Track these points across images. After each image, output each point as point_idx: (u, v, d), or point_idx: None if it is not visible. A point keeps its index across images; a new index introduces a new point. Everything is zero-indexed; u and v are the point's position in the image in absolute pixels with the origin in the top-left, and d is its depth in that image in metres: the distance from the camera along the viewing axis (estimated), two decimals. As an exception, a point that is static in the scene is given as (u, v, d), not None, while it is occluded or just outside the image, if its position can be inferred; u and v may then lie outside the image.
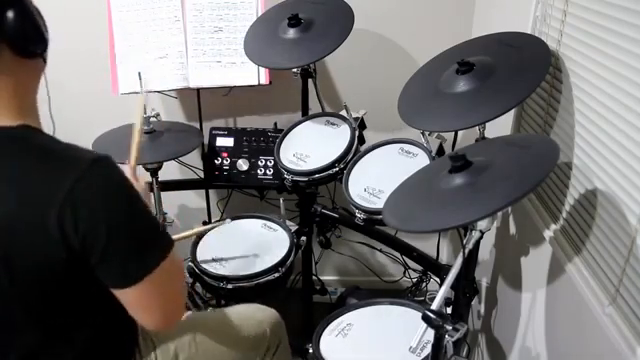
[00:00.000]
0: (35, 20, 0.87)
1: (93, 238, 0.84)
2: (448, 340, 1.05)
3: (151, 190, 1.65)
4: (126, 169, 1.22)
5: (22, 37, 0.85)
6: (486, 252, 1.81)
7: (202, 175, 2.05)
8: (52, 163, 0.85)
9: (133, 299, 0.93)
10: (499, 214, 1.44)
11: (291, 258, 1.69)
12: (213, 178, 1.95)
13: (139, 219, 0.91)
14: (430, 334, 1.07)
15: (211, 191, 2.17)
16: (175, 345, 1.22)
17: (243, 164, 1.92)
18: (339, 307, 1.50)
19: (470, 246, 1.12)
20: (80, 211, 0.83)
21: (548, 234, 1.34)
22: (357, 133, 1.63)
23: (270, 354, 1.37)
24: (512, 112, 1.54)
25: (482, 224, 1.10)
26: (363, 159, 1.58)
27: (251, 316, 1.39)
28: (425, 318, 1.05)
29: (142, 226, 0.91)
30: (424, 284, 2.09)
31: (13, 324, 0.94)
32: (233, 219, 1.84)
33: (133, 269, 0.90)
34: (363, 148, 1.63)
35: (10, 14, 0.82)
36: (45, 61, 0.92)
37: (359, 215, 1.45)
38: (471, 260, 1.39)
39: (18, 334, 0.94)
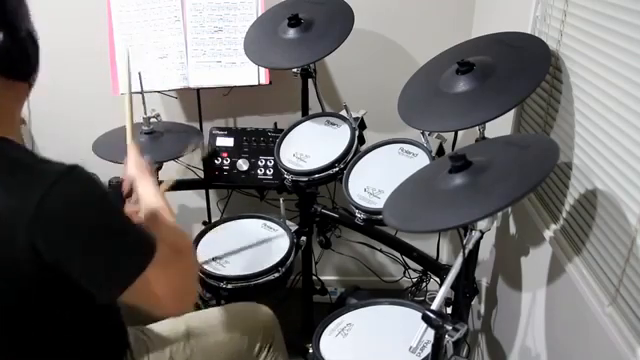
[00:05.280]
0: (24, 47, 0.86)
1: (67, 254, 0.82)
2: (448, 340, 1.05)
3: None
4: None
5: (8, 60, 0.84)
6: (486, 252, 1.81)
7: (202, 175, 2.05)
8: (21, 177, 0.81)
9: (128, 301, 0.91)
10: (499, 214, 1.43)
11: (291, 258, 1.69)
12: (213, 178, 1.95)
13: (114, 229, 0.86)
14: (430, 334, 1.07)
15: (211, 191, 2.17)
16: (170, 349, 1.22)
17: (243, 164, 1.91)
18: (339, 307, 1.50)
19: (470, 246, 1.12)
20: (50, 227, 0.80)
21: (548, 234, 1.34)
22: (357, 133, 1.63)
23: (264, 351, 1.38)
24: (512, 112, 1.54)
25: (482, 224, 1.10)
26: (363, 159, 1.58)
27: (244, 314, 1.39)
28: (425, 318, 1.05)
29: (118, 235, 0.87)
30: (424, 284, 2.09)
31: None
32: (230, 219, 1.84)
33: (116, 280, 0.86)
34: (363, 148, 1.63)
35: None
36: (31, 85, 0.90)
37: (359, 215, 1.45)
38: (471, 260, 1.39)
39: None
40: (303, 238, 1.80)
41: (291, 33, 1.65)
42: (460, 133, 1.72)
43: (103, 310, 1.05)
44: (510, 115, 1.57)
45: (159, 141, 1.73)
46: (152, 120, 1.74)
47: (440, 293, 1.06)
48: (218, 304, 1.87)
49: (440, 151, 1.53)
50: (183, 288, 1.00)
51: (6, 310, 0.88)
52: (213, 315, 1.37)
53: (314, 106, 1.86)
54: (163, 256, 0.91)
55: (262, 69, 1.85)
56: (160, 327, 1.29)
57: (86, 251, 0.83)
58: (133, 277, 0.86)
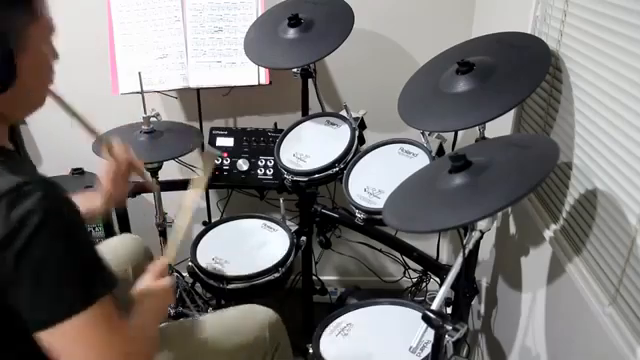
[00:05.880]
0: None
1: (12, 280, 0.76)
2: (448, 340, 1.05)
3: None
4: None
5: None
6: (486, 252, 1.81)
7: (202, 175, 2.04)
8: None
9: (51, 345, 0.80)
10: (499, 214, 1.43)
11: (291, 258, 1.69)
12: (213, 178, 1.95)
13: (65, 256, 0.78)
14: (430, 334, 1.07)
15: (211, 191, 2.17)
16: (168, 358, 1.19)
17: (243, 164, 1.92)
18: (339, 307, 1.50)
19: (470, 246, 1.12)
20: None
21: (548, 234, 1.34)
22: (357, 133, 1.63)
23: (269, 356, 1.34)
24: (512, 112, 1.54)
25: (482, 224, 1.10)
26: (363, 159, 1.58)
27: (248, 319, 1.34)
28: (425, 318, 1.05)
29: (69, 264, 0.78)
30: (424, 284, 2.09)
31: None
32: (230, 220, 1.84)
33: (52, 309, 0.78)
34: (363, 148, 1.63)
35: None
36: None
37: (359, 215, 1.45)
38: (471, 260, 1.39)
39: None
40: (303, 238, 1.80)
41: (291, 33, 1.65)
42: (460, 133, 1.72)
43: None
44: (510, 115, 1.57)
45: (159, 141, 1.73)
46: (152, 120, 1.74)
47: (440, 293, 1.06)
48: (218, 304, 1.87)
49: (440, 151, 1.53)
50: None
51: None
52: (215, 322, 1.33)
53: (314, 106, 1.86)
54: (112, 315, 0.82)
55: (262, 69, 1.85)
56: (159, 332, 1.26)
57: (31, 277, 0.76)
58: (64, 315, 0.77)
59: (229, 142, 1.95)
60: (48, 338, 0.79)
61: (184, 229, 1.25)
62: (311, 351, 1.35)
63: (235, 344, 1.28)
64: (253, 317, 1.35)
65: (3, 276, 0.76)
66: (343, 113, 1.68)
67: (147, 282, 1.09)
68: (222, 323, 1.33)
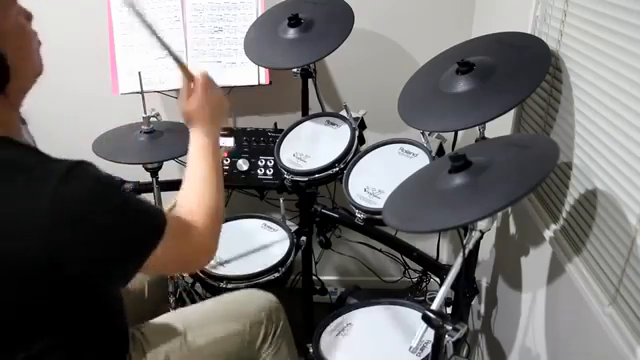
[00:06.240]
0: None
1: (78, 251, 0.82)
2: (448, 340, 1.05)
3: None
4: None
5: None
6: (486, 252, 1.81)
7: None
8: (25, 177, 0.80)
9: (149, 272, 0.96)
10: (499, 214, 1.44)
11: (291, 258, 1.69)
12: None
13: (128, 218, 0.88)
14: (430, 334, 1.07)
15: (211, 191, 2.16)
16: (165, 349, 1.20)
17: (243, 164, 1.92)
18: (339, 307, 1.50)
19: (470, 246, 1.12)
20: (61, 229, 0.79)
21: (548, 234, 1.34)
22: (357, 133, 1.63)
23: (268, 339, 1.35)
24: (512, 112, 1.54)
25: (482, 224, 1.10)
26: (363, 159, 1.58)
27: (244, 303, 1.36)
28: (425, 318, 1.05)
29: (128, 224, 0.88)
30: (424, 284, 2.09)
31: None
32: (229, 220, 1.84)
33: (133, 261, 0.89)
34: (363, 148, 1.63)
35: None
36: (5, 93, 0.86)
37: (359, 215, 1.45)
38: (471, 260, 1.39)
39: None
40: (303, 238, 1.80)
41: (291, 33, 1.65)
42: (460, 133, 1.72)
43: (108, 315, 1.05)
44: (510, 115, 1.57)
45: (159, 141, 1.73)
46: (152, 120, 1.74)
47: (440, 293, 1.06)
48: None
49: (440, 151, 1.53)
50: (197, 253, 1.05)
51: (18, 314, 0.87)
52: (211, 308, 1.34)
53: (314, 106, 1.86)
54: (177, 225, 0.96)
55: (262, 69, 1.85)
56: (157, 323, 1.27)
57: (101, 245, 0.84)
58: (146, 256, 0.89)
59: (229, 142, 1.95)
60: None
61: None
62: (311, 351, 1.35)
63: (229, 333, 1.29)
64: (249, 302, 1.36)
65: (77, 251, 0.82)
66: (343, 113, 1.68)
67: (200, 95, 1.21)
68: (215, 313, 1.33)
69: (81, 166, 0.83)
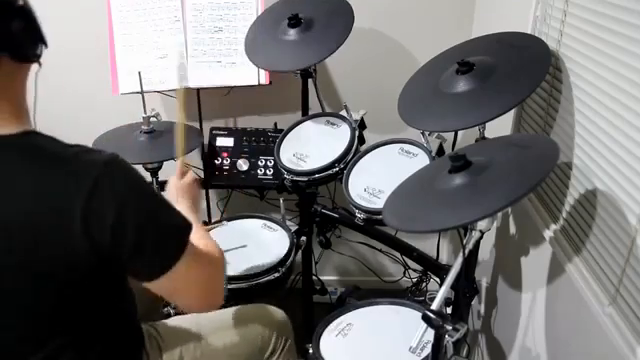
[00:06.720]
0: (38, 27, 0.87)
1: (121, 237, 0.86)
2: (448, 340, 1.05)
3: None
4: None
5: (25, 46, 0.85)
6: (486, 252, 1.81)
7: (202, 175, 2.05)
8: (66, 169, 0.85)
9: (168, 286, 0.96)
10: (499, 214, 1.43)
11: (291, 258, 1.69)
12: (213, 178, 1.95)
13: (162, 210, 0.93)
14: (430, 334, 1.07)
15: (211, 191, 2.17)
16: (180, 349, 1.22)
17: (243, 164, 1.92)
18: (339, 307, 1.50)
19: (470, 246, 1.12)
20: (104, 214, 0.84)
21: (548, 234, 1.34)
22: (357, 133, 1.63)
23: (276, 355, 1.37)
24: (512, 112, 1.55)
25: (482, 224, 1.10)
26: (363, 159, 1.58)
27: (257, 317, 1.38)
28: (425, 318, 1.05)
29: (166, 216, 0.94)
30: (424, 284, 2.09)
31: (23, 342, 0.92)
32: (230, 220, 1.84)
33: (164, 258, 0.92)
34: (363, 148, 1.63)
35: (16, 24, 0.82)
36: (40, 62, 0.91)
37: (359, 215, 1.45)
38: (471, 260, 1.39)
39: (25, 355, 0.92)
40: (303, 238, 1.80)
41: (291, 34, 1.65)
42: (460, 133, 1.72)
43: (125, 309, 1.07)
44: (510, 115, 1.57)
45: (159, 141, 1.73)
46: (152, 120, 1.74)
47: (440, 293, 1.06)
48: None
49: (440, 151, 1.53)
50: (211, 286, 1.05)
51: (53, 306, 0.90)
52: (226, 317, 1.36)
53: (314, 106, 1.86)
54: (196, 248, 0.98)
55: (262, 69, 1.85)
56: (170, 323, 1.29)
57: (139, 232, 0.87)
58: (178, 257, 0.92)
59: (229, 142, 1.95)
60: (158, 284, 0.93)
61: (183, 126, 1.40)
62: (311, 351, 1.35)
63: (241, 343, 1.31)
64: (261, 316, 1.39)
65: (116, 235, 0.85)
66: (343, 113, 1.68)
67: (173, 183, 1.29)
68: (229, 322, 1.35)
69: (117, 158, 0.88)
